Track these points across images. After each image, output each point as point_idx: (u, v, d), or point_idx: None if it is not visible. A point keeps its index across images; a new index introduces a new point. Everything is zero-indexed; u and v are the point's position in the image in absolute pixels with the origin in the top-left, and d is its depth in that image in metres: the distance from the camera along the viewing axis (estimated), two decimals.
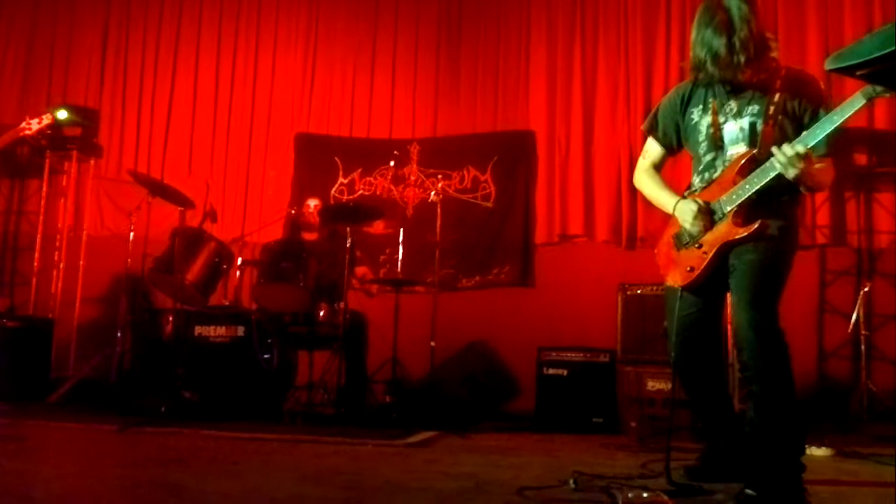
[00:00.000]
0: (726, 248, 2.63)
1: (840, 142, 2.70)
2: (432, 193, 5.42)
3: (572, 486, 2.57)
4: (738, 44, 2.53)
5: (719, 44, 2.55)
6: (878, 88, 2.24)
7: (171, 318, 5.24)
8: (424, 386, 5.22)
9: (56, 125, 5.37)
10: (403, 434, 4.06)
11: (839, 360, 5.58)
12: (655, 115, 2.96)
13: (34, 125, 4.85)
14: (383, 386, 5.13)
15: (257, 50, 6.95)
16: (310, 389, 4.92)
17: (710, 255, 2.64)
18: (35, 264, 6.54)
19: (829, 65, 1.40)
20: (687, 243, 2.74)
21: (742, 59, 2.54)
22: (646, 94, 6.16)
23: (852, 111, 2.35)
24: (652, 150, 2.99)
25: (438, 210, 5.32)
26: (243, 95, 6.90)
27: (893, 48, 1.27)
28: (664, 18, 6.23)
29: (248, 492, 2.47)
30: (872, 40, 1.33)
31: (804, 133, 2.46)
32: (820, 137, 2.41)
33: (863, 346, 5.19)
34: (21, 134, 4.86)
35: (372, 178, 6.63)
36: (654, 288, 4.76)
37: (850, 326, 5.18)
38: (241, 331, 4.79)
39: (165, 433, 3.88)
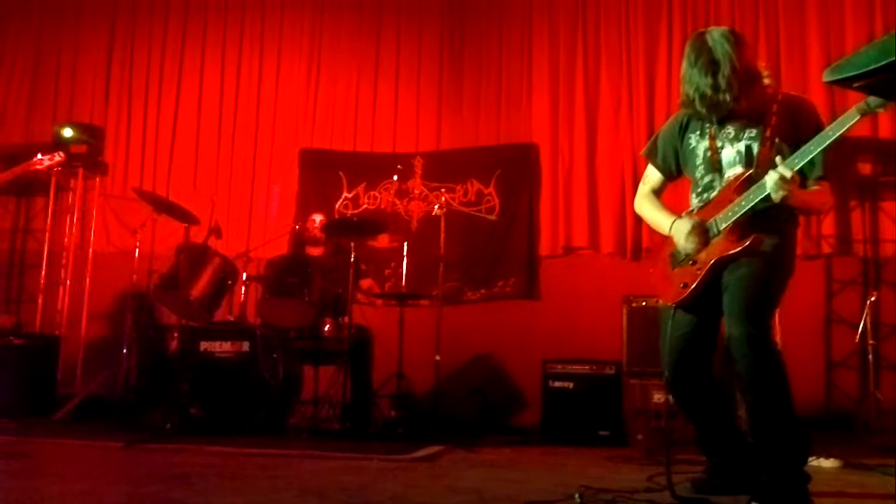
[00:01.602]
0: (720, 265, 2.63)
1: (836, 160, 2.69)
2: (436, 207, 5.42)
3: (578, 500, 2.56)
4: (723, 83, 2.56)
5: (705, 84, 2.59)
6: (872, 104, 2.25)
7: (176, 334, 5.26)
8: (430, 400, 5.21)
9: (64, 150, 5.38)
10: (409, 449, 4.04)
11: (847, 370, 5.56)
12: (655, 141, 3.00)
13: (45, 161, 4.88)
14: (388, 400, 5.12)
15: (261, 66, 6.98)
16: (315, 404, 4.91)
17: (704, 270, 2.65)
18: (41, 281, 6.57)
19: (826, 76, 1.40)
20: (682, 261, 2.75)
21: (728, 97, 2.57)
22: (648, 106, 6.16)
23: (847, 127, 2.35)
24: (652, 175, 3.02)
25: (442, 223, 5.32)
26: (247, 112, 6.93)
27: (890, 60, 1.27)
28: (666, 30, 6.24)
29: None
30: (869, 52, 1.33)
31: (800, 149, 2.46)
32: (816, 153, 2.42)
33: (870, 356, 5.16)
34: (32, 168, 4.89)
35: (376, 192, 6.65)
36: (659, 300, 4.74)
37: (858, 336, 5.17)
38: (246, 346, 4.78)
39: (171, 449, 3.88)
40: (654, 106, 6.13)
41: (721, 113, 2.63)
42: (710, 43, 2.59)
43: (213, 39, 7.07)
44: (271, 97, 6.93)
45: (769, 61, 5.59)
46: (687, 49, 2.68)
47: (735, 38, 2.60)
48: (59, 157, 4.92)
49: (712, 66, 2.56)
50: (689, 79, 2.64)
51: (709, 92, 2.58)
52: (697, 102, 2.62)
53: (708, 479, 2.86)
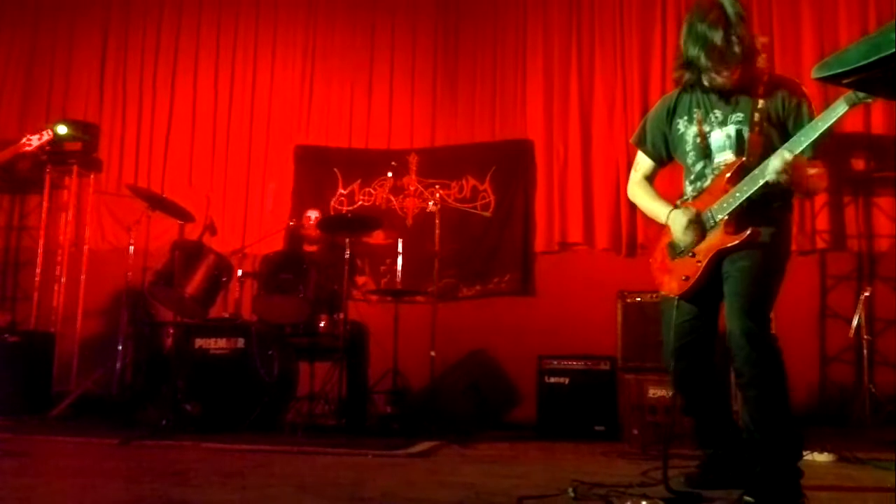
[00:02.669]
0: (719, 257, 2.64)
1: (829, 145, 2.70)
2: (431, 203, 5.41)
3: (571, 494, 2.57)
4: (734, 38, 2.52)
5: (715, 35, 2.53)
6: (861, 94, 2.26)
7: (171, 331, 5.26)
8: (425, 396, 5.22)
9: (56, 140, 5.37)
10: (404, 444, 4.06)
11: (841, 364, 5.59)
12: (643, 127, 2.99)
13: (34, 141, 4.86)
14: (384, 396, 5.14)
15: (256, 63, 6.98)
16: (311, 400, 4.92)
17: (704, 263, 2.66)
18: (36, 279, 6.56)
19: (815, 73, 1.40)
20: (681, 252, 2.75)
21: (738, 50, 2.53)
22: (643, 102, 6.17)
23: (835, 117, 2.36)
24: (642, 162, 3.01)
25: (437, 220, 5.31)
26: (242, 108, 6.92)
27: (878, 56, 1.28)
28: (660, 26, 6.25)
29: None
30: (858, 48, 1.33)
31: (790, 140, 2.47)
32: (805, 145, 2.42)
33: (865, 351, 5.18)
34: (21, 150, 4.88)
35: (371, 189, 6.65)
36: (654, 295, 4.70)
37: (852, 331, 5.19)
38: (241, 343, 4.78)
39: (167, 446, 3.89)
40: (649, 101, 6.12)
41: (725, 70, 2.58)
42: (721, 2, 2.56)
43: (207, 35, 7.06)
44: (266, 93, 6.93)
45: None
46: (691, 12, 2.63)
47: (742, 7, 2.59)
48: (47, 135, 4.89)
49: (724, 22, 2.52)
50: (697, 34, 2.58)
51: (719, 43, 2.52)
52: (703, 57, 2.57)
53: (701, 474, 2.86)
